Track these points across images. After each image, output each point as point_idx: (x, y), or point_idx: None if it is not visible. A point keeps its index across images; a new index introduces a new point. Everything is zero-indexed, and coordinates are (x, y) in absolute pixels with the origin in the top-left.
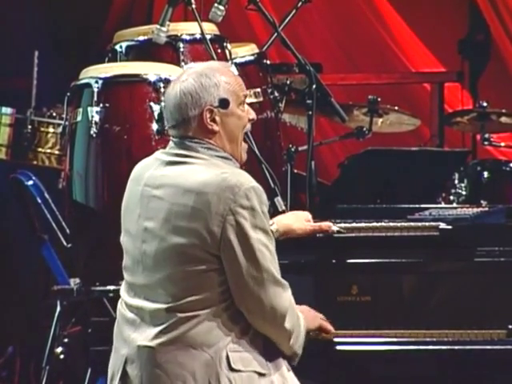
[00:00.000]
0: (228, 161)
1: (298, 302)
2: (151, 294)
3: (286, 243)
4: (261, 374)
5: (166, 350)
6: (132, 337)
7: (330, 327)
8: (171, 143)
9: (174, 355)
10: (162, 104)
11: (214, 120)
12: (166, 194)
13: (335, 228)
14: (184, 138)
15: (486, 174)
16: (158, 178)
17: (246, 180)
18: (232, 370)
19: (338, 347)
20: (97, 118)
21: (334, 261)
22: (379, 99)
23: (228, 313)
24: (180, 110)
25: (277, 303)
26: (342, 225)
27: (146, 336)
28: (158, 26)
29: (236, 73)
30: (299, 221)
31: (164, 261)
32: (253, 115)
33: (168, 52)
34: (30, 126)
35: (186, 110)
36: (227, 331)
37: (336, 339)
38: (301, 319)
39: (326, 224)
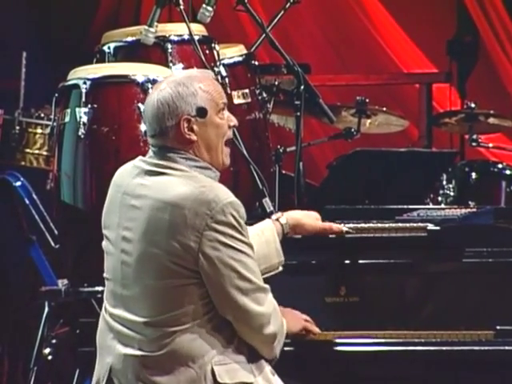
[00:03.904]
0: (207, 170)
1: (286, 303)
2: (132, 305)
3: None
4: None
5: (151, 362)
6: (117, 346)
7: (314, 329)
8: (150, 152)
9: (159, 368)
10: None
11: (191, 129)
12: (144, 204)
13: (345, 229)
14: (162, 148)
15: (473, 174)
16: (137, 187)
17: (224, 195)
18: None
19: (326, 348)
20: (85, 118)
21: (321, 262)
22: (367, 100)
23: (211, 324)
24: (157, 119)
25: (261, 309)
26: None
27: (131, 346)
28: (146, 27)
29: (224, 72)
30: (309, 218)
31: (142, 274)
32: (234, 122)
33: (156, 53)
34: (17, 127)
35: (163, 120)
36: (212, 343)
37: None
38: (283, 322)
39: (337, 226)
